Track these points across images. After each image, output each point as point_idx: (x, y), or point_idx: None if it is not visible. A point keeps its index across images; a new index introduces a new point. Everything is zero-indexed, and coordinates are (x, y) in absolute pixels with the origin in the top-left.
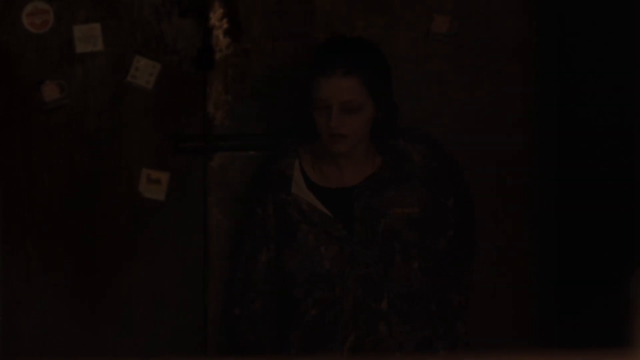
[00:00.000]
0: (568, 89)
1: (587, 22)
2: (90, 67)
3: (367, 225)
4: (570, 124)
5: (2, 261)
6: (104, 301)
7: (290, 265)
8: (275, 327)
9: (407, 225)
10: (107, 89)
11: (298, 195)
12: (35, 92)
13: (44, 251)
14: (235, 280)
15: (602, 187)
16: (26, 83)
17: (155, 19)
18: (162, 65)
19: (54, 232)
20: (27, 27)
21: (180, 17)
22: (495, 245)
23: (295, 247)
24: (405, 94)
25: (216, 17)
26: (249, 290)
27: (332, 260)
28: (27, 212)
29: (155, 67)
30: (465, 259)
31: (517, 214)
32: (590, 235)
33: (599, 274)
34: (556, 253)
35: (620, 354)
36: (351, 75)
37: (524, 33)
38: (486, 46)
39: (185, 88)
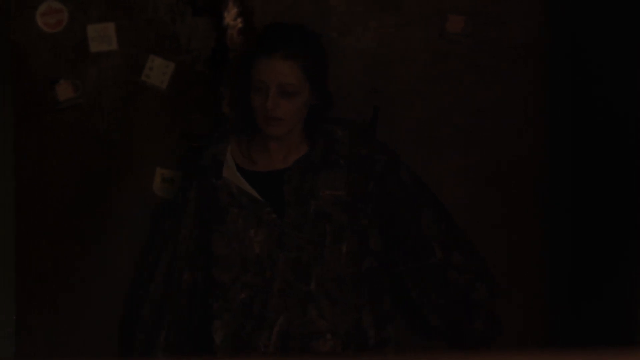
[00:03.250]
0: (579, 88)
1: (598, 22)
2: (104, 66)
3: (298, 208)
4: (582, 123)
5: (17, 260)
6: (117, 300)
7: (219, 249)
8: (199, 310)
9: (337, 207)
10: (121, 88)
11: (228, 178)
12: (50, 92)
13: (58, 250)
14: (153, 265)
15: (612, 186)
16: (40, 82)
17: (169, 18)
18: (175, 64)
19: (67, 230)
20: (41, 26)
21: (194, 17)
22: (507, 244)
23: (224, 230)
24: (417, 92)
25: (230, 16)
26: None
27: (261, 243)
28: (40, 211)
29: (169, 66)
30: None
31: (528, 212)
32: (601, 234)
33: (610, 272)
34: (568, 252)
35: (630, 352)
36: (291, 59)
37: (536, 33)
38: (498, 46)
39: (199, 87)
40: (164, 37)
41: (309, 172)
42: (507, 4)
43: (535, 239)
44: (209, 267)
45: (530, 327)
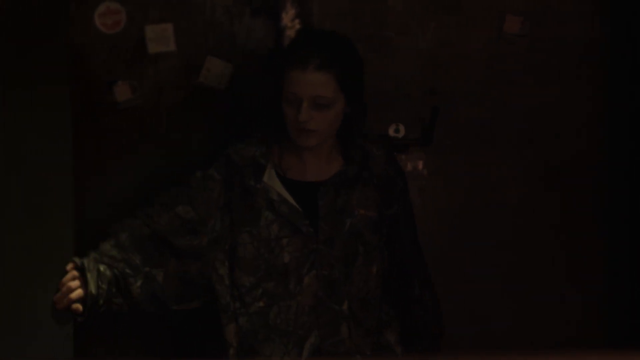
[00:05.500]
0: (638, 88)
1: None
2: (162, 67)
3: (333, 224)
4: None
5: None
6: None
7: (246, 251)
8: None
9: (369, 227)
10: (179, 89)
11: (268, 184)
12: (107, 93)
13: None
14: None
15: None
16: (98, 83)
17: (227, 19)
18: (233, 65)
19: None
20: (99, 27)
21: (252, 18)
22: (565, 244)
23: (256, 233)
24: (475, 93)
25: (288, 17)
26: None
27: (292, 254)
28: (99, 213)
29: (227, 67)
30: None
31: (586, 214)
32: None
33: None
34: (627, 252)
35: None
36: (324, 70)
37: (594, 34)
38: (556, 47)
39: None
40: (221, 38)
41: (344, 188)
42: (566, 4)
43: (594, 239)
44: (231, 267)
45: (589, 327)
